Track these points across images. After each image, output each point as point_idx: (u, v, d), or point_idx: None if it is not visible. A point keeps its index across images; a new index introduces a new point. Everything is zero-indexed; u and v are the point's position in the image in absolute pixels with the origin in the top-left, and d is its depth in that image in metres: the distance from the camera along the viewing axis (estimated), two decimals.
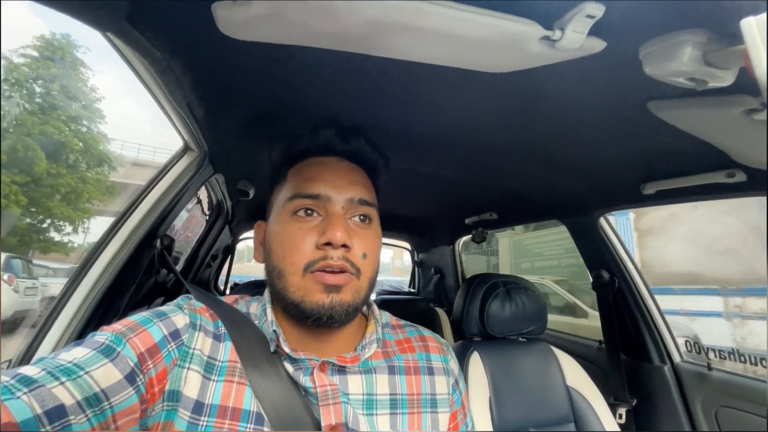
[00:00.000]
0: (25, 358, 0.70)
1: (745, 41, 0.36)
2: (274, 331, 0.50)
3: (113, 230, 0.83)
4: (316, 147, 0.56)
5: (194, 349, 0.47)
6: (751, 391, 1.13)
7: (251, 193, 1.48)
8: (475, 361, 1.09)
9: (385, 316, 0.63)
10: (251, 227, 2.60)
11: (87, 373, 0.38)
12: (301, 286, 0.48)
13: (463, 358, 1.10)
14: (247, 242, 3.00)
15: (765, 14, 0.34)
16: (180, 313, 0.50)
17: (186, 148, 0.94)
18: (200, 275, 2.05)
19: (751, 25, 0.35)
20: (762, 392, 1.10)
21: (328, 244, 0.48)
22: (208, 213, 1.71)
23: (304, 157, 0.57)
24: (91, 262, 0.79)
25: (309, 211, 0.51)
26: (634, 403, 1.34)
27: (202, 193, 1.50)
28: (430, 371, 0.57)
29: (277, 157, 0.58)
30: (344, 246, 0.48)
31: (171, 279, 1.50)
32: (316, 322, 0.48)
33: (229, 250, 2.71)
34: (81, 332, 0.73)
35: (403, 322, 0.64)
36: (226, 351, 0.49)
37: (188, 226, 1.53)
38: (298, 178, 0.54)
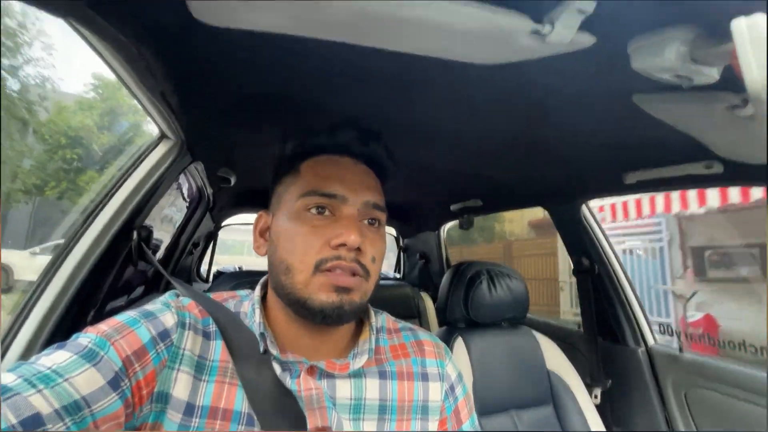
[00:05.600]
0: None
1: (735, 41, 0.36)
2: (262, 333, 0.49)
3: (86, 223, 0.80)
4: (334, 146, 0.56)
5: (184, 349, 0.46)
6: (718, 372, 1.19)
7: (233, 180, 1.44)
8: (459, 346, 1.11)
9: (382, 319, 0.61)
10: (234, 213, 2.55)
11: (66, 380, 0.37)
12: (310, 283, 0.48)
13: (446, 344, 1.12)
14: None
15: (755, 15, 0.34)
16: (168, 312, 0.48)
17: (162, 136, 0.90)
18: (182, 263, 2.01)
19: (741, 26, 0.35)
20: (728, 373, 1.15)
21: (343, 245, 0.48)
22: (188, 200, 1.66)
23: (318, 152, 0.56)
24: (63, 257, 0.76)
25: (321, 209, 0.51)
26: (609, 384, 1.40)
27: (182, 180, 1.45)
28: (424, 377, 0.56)
29: (290, 149, 0.57)
30: (357, 249, 0.48)
31: (151, 268, 1.46)
32: (324, 320, 0.48)
33: (212, 237, 2.67)
34: (55, 330, 0.70)
35: (401, 324, 0.63)
36: (217, 350, 0.48)
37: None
38: (314, 175, 0.53)
